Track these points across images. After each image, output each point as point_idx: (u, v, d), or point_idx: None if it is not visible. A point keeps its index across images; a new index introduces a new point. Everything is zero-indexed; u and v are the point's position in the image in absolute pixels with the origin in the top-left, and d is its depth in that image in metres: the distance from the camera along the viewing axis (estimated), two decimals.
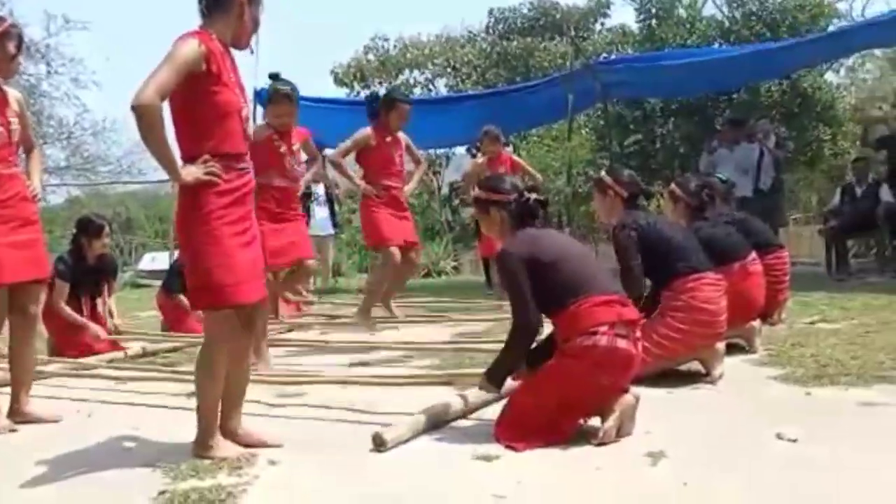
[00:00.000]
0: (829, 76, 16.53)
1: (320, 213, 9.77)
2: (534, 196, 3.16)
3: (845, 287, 7.39)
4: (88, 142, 21.60)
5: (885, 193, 8.78)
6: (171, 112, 2.71)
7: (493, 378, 3.10)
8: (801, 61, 11.26)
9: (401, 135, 5.67)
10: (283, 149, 4.68)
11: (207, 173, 2.71)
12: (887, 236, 8.87)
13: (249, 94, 3.28)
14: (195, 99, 2.72)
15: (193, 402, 3.47)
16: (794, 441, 2.77)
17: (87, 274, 5.52)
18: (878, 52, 17.96)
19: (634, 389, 2.97)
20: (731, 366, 3.94)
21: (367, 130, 5.54)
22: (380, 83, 20.16)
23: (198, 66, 2.68)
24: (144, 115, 2.59)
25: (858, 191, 9.11)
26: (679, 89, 12.56)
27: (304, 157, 5.03)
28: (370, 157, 5.60)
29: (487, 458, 2.72)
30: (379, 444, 2.85)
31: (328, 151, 6.33)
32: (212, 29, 2.78)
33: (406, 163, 5.93)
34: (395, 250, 5.49)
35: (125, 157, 23.22)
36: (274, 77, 4.69)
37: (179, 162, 2.74)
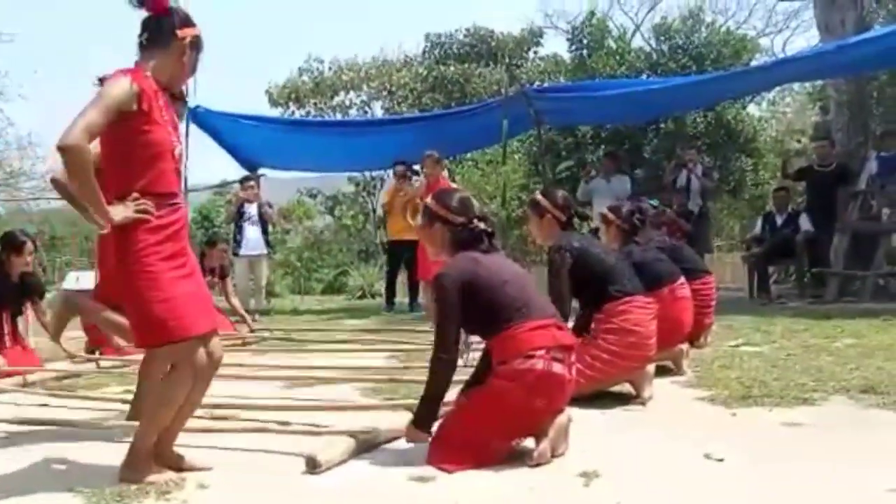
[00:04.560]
0: (752, 109, 17.21)
1: (253, 232, 9.65)
2: (481, 226, 3.13)
3: (767, 312, 7.64)
4: (12, 156, 20.90)
5: (804, 222, 9.16)
6: (102, 151, 2.64)
7: (422, 423, 2.99)
8: (724, 94, 11.69)
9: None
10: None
11: (138, 210, 2.65)
12: (806, 263, 9.24)
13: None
14: (126, 138, 2.67)
15: (119, 423, 3.38)
16: (721, 461, 2.84)
17: (10, 292, 5.31)
18: (797, 86, 18.78)
19: (567, 410, 3.00)
20: (659, 387, 4.03)
21: None
22: (315, 104, 20.07)
23: (128, 105, 2.62)
24: (72, 156, 2.52)
25: (779, 219, 9.47)
26: (609, 118, 12.89)
27: None
28: None
29: (423, 480, 2.71)
30: (312, 467, 2.81)
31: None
32: (147, 65, 2.74)
33: None
34: None
35: (50, 172, 22.49)
36: None
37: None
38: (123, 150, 2.68)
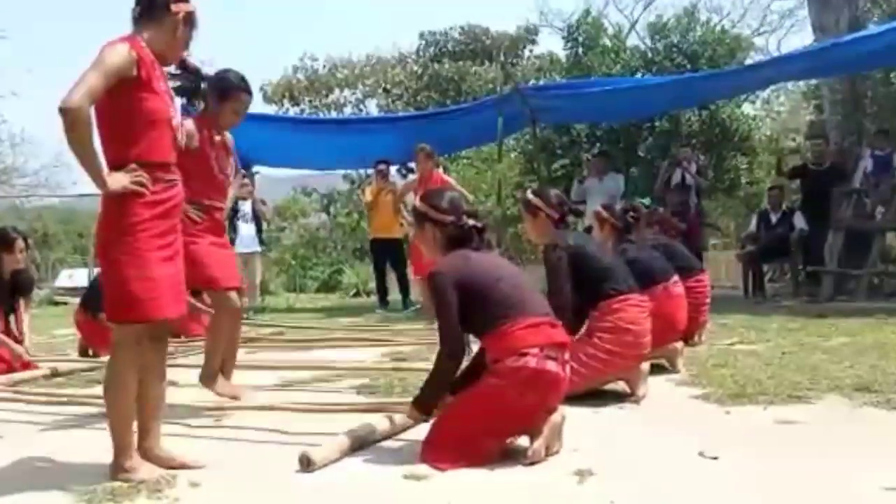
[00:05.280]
0: (746, 108, 17.22)
1: (246, 229, 9.66)
2: (471, 222, 3.13)
3: (761, 310, 7.66)
4: (5, 153, 20.87)
5: (798, 220, 9.18)
6: (97, 118, 2.64)
7: (422, 406, 3.06)
8: (719, 92, 11.70)
9: (227, 135, 4.04)
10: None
11: (135, 182, 2.64)
12: (800, 261, 9.27)
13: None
14: (123, 105, 2.66)
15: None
16: (716, 459, 2.84)
17: (2, 290, 5.28)
18: (791, 85, 18.83)
19: (561, 408, 3.00)
20: (654, 385, 4.02)
21: (187, 124, 3.63)
22: (309, 101, 20.06)
23: (128, 71, 2.62)
24: (72, 119, 2.51)
25: (773, 218, 9.49)
26: (604, 116, 12.90)
27: None
28: (188, 162, 3.53)
29: (417, 478, 2.70)
30: (306, 465, 2.80)
31: None
32: (141, 37, 2.73)
33: None
34: (233, 294, 3.98)
35: (43, 169, 22.50)
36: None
37: (105, 169, 2.66)
38: (119, 117, 2.68)
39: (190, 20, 2.82)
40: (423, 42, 20.71)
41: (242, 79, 3.89)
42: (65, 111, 2.50)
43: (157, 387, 2.90)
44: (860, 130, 10.54)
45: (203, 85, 3.80)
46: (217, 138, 3.92)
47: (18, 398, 4.26)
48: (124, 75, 2.61)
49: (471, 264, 3.02)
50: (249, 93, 3.94)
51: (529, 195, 4.16)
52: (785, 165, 10.72)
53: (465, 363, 3.08)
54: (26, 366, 5.19)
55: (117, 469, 2.74)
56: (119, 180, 2.63)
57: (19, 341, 5.38)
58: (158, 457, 2.86)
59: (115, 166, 2.67)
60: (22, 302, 5.52)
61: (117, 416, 2.77)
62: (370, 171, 18.31)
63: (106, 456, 2.81)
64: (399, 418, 3.27)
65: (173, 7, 2.76)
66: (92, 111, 2.59)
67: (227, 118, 3.90)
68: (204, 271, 3.81)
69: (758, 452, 2.92)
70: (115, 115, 2.67)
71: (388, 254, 9.81)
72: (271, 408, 3.77)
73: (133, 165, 2.66)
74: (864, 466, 2.70)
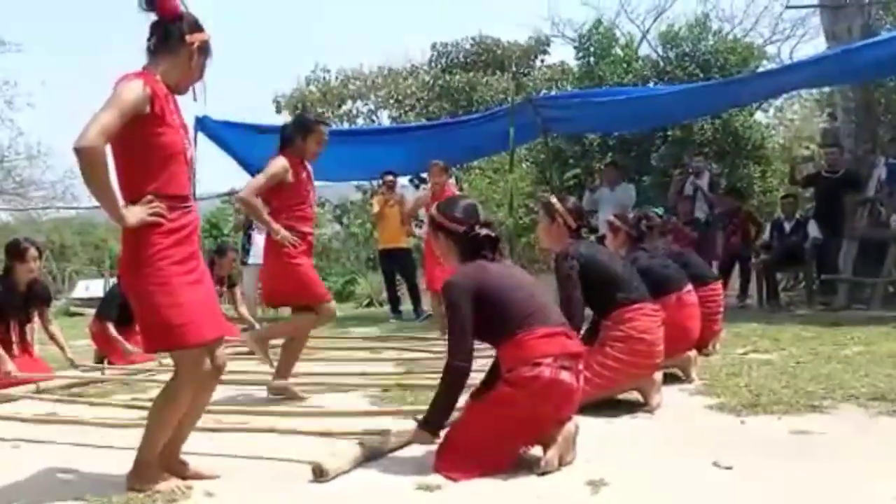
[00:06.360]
0: (759, 116, 17.16)
1: (261, 241, 9.67)
2: (484, 231, 3.14)
3: (775, 319, 7.61)
4: (22, 165, 21.10)
5: (812, 229, 9.13)
6: (114, 153, 2.66)
7: (430, 426, 3.03)
8: (731, 101, 11.66)
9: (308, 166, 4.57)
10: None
11: (152, 214, 2.67)
12: (814, 270, 9.21)
13: (190, 122, 3.22)
14: (139, 141, 2.67)
15: (125, 433, 3.39)
16: (730, 469, 2.83)
17: (16, 299, 5.31)
18: (804, 93, 18.73)
19: (574, 418, 3.00)
20: (668, 395, 4.01)
21: (282, 161, 4.37)
22: (322, 113, 20.14)
23: (142, 107, 2.63)
24: (88, 158, 2.53)
25: (787, 226, 9.44)
26: (616, 125, 12.88)
27: None
28: (284, 195, 4.40)
29: (429, 489, 2.71)
30: (319, 475, 2.81)
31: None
32: (156, 69, 2.75)
33: None
34: (333, 304, 4.71)
35: (59, 182, 22.72)
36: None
37: (122, 203, 2.68)
38: (135, 152, 2.69)
39: (204, 49, 2.84)
40: (435, 53, 20.77)
41: (319, 114, 4.98)
42: (80, 150, 2.51)
43: (204, 398, 2.91)
44: (874, 138, 10.48)
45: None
46: (303, 173, 4.46)
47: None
48: (139, 112, 2.62)
49: (487, 273, 3.03)
50: (327, 125, 4.67)
51: (553, 199, 4.16)
52: (798, 174, 10.66)
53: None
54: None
55: (136, 479, 2.76)
56: (136, 213, 2.65)
57: (30, 353, 5.42)
58: (174, 467, 2.88)
59: (132, 201, 2.68)
60: (39, 313, 5.56)
61: (159, 430, 2.79)
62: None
63: (122, 466, 2.83)
64: (412, 427, 3.28)
65: (188, 38, 2.77)
66: (108, 146, 2.61)
67: (313, 148, 4.49)
68: (315, 289, 4.52)
69: (772, 462, 2.91)
70: (130, 151, 2.69)
71: (396, 264, 9.92)
72: (284, 415, 3.78)
73: (149, 197, 2.68)
74: (879, 476, 2.69)
